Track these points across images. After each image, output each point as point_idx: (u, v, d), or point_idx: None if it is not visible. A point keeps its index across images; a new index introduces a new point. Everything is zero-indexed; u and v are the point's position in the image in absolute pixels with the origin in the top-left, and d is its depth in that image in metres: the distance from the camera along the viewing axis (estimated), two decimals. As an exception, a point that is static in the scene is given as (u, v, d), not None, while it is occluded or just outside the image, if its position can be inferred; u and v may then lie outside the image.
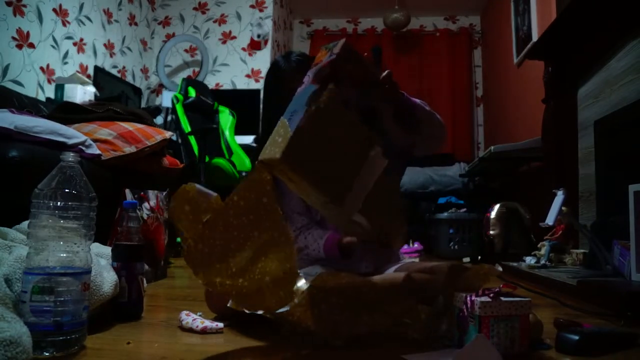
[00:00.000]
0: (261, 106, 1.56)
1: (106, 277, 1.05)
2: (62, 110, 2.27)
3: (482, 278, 0.93)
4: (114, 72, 3.78)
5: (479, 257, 3.11)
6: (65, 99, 2.74)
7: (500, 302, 0.84)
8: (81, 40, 3.38)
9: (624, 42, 1.92)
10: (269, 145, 0.85)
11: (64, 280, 0.82)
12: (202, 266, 0.85)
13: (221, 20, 4.41)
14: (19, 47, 2.80)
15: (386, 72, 1.03)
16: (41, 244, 0.83)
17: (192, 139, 3.28)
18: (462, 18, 5.14)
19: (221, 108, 3.78)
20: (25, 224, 1.00)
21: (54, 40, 3.10)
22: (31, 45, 2.89)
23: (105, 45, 3.70)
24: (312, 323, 0.87)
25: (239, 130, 3.79)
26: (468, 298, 0.86)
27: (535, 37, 3.16)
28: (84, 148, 1.92)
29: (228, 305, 0.94)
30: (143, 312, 1.15)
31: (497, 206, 2.82)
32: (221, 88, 4.30)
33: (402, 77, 5.03)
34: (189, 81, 3.70)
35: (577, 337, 0.89)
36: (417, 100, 1.18)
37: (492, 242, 2.75)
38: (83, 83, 2.87)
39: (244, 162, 3.50)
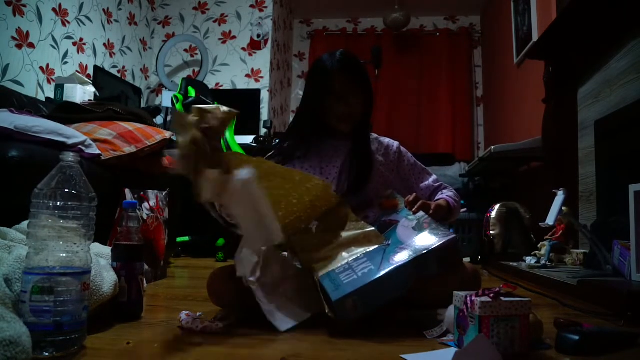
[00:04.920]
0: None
1: (106, 277, 1.05)
2: (62, 110, 2.26)
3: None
4: (113, 72, 3.78)
5: (479, 257, 3.11)
6: (65, 98, 2.73)
7: (500, 302, 0.84)
8: (81, 40, 3.38)
9: (624, 42, 1.92)
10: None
11: (64, 280, 0.82)
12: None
13: (221, 20, 4.40)
14: (19, 46, 2.80)
15: (412, 196, 1.17)
16: (41, 244, 0.83)
17: (192, 139, 3.27)
18: (462, 18, 5.14)
19: (221, 108, 3.77)
20: (25, 224, 1.00)
21: (54, 40, 3.10)
22: (31, 45, 2.89)
23: (105, 45, 3.70)
24: None
25: (239, 130, 3.78)
26: (468, 298, 0.86)
27: (535, 37, 3.15)
28: (83, 148, 1.92)
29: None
30: (143, 312, 1.15)
31: (497, 206, 2.83)
32: (221, 88, 4.30)
33: (402, 77, 5.04)
34: (189, 81, 3.69)
35: (577, 337, 0.89)
36: (448, 198, 1.28)
37: (492, 242, 2.75)
38: (83, 83, 2.87)
39: (244, 162, 3.49)
